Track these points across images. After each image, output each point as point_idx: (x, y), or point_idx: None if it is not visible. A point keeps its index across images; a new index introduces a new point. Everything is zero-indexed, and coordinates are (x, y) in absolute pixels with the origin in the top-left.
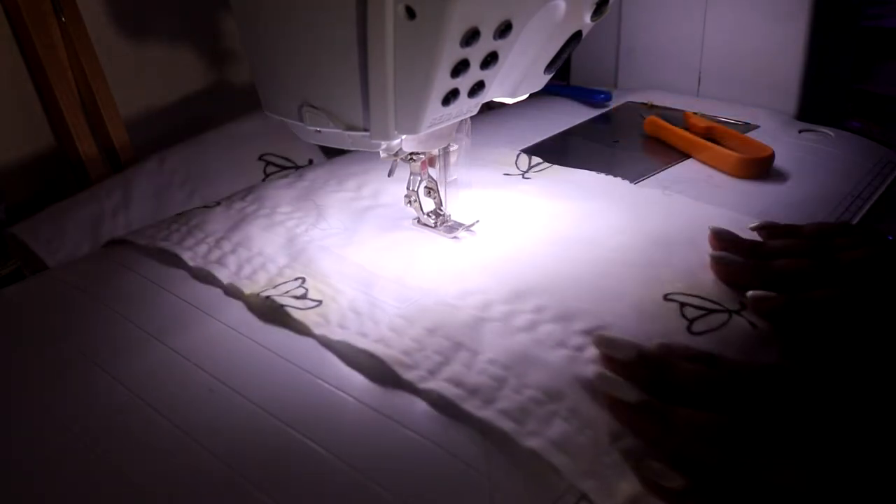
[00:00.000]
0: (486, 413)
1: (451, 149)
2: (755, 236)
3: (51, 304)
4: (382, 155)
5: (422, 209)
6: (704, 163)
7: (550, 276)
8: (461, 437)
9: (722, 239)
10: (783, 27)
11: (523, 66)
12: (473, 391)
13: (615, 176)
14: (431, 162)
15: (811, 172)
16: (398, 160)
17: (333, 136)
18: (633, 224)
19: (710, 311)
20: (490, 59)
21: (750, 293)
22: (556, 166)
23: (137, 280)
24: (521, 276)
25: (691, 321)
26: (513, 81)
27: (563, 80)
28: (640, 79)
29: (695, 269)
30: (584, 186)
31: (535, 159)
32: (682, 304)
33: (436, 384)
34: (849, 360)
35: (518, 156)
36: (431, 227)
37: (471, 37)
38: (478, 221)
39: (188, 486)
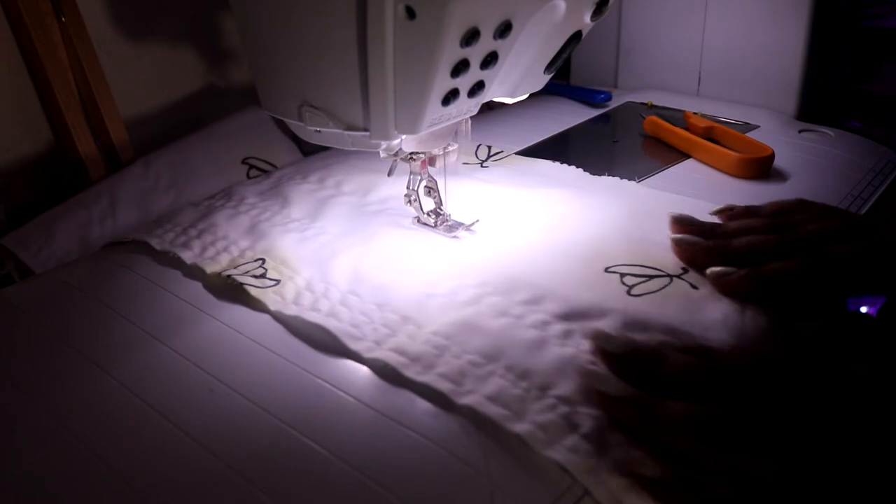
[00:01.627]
0: (425, 378)
1: (451, 149)
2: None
3: (51, 304)
4: (382, 155)
5: (422, 209)
6: (704, 163)
7: (497, 256)
8: (462, 436)
9: (681, 223)
10: (783, 27)
11: (523, 66)
12: (416, 359)
13: (615, 176)
14: (431, 162)
15: (811, 172)
16: (398, 160)
17: (333, 136)
18: (583, 207)
19: (651, 277)
20: (490, 59)
21: (709, 270)
22: (514, 156)
23: (137, 280)
24: (469, 256)
25: (630, 287)
26: (513, 81)
27: (563, 80)
28: (640, 79)
29: (637, 243)
30: (540, 174)
31: (495, 149)
32: (623, 275)
33: (381, 353)
34: (841, 357)
35: (478, 146)
36: (431, 226)
37: (471, 37)
38: (478, 221)
39: (188, 486)
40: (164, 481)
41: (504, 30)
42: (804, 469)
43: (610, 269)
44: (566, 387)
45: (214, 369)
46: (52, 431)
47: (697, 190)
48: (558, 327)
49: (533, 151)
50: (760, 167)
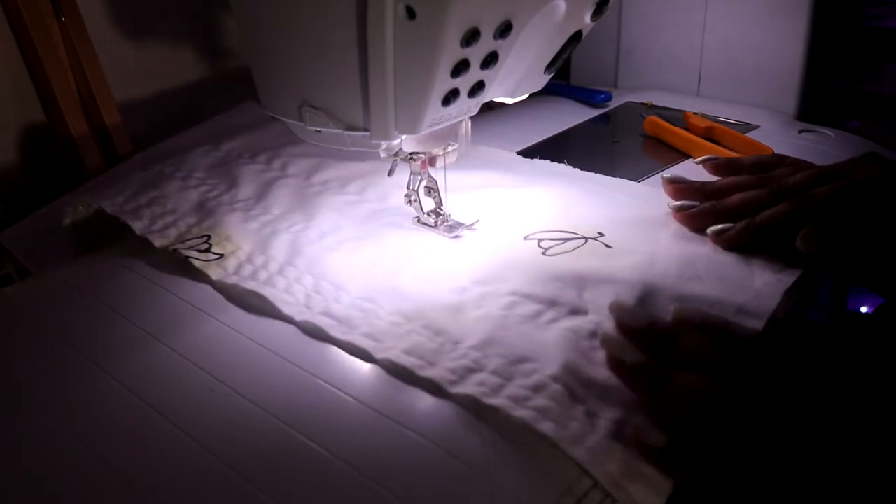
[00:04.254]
0: (349, 337)
1: (451, 149)
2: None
3: (51, 304)
4: (382, 155)
5: (422, 209)
6: None
7: (424, 233)
8: (462, 437)
9: (674, 183)
10: (783, 27)
11: (523, 66)
12: (342, 321)
13: (616, 176)
14: (432, 162)
15: None
16: (398, 160)
17: (333, 136)
18: (511, 186)
19: (567, 240)
20: (490, 59)
21: (709, 229)
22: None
23: (137, 280)
24: (397, 230)
25: (546, 249)
26: (513, 81)
27: (563, 80)
28: (640, 79)
29: (554, 214)
30: (476, 158)
31: None
32: (539, 240)
33: (310, 316)
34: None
35: None
36: (431, 226)
37: (471, 37)
38: (478, 221)
39: (188, 486)
40: (164, 481)
41: (504, 30)
42: (799, 452)
43: (528, 238)
44: (476, 338)
45: (214, 369)
46: (52, 431)
47: None
48: (476, 291)
49: (533, 151)
50: None
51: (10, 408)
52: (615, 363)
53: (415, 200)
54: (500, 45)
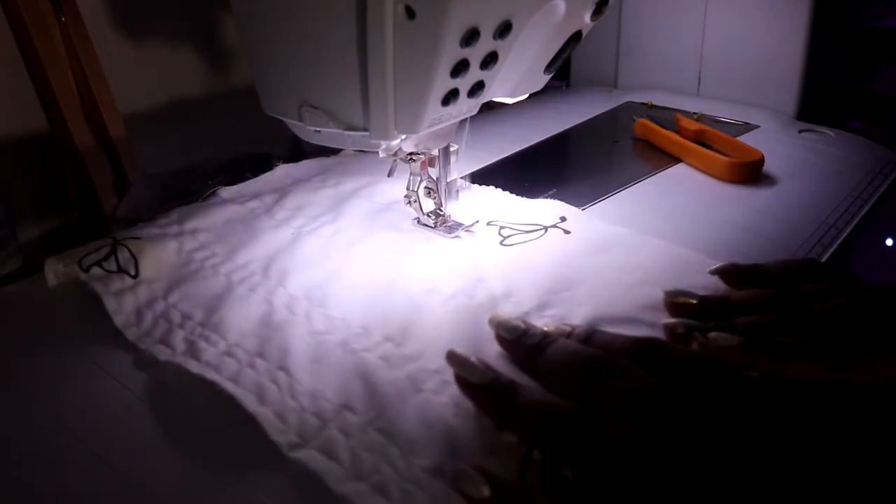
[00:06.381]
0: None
1: (451, 149)
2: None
3: (51, 304)
4: (382, 155)
5: (422, 209)
6: (695, 167)
7: (377, 216)
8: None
9: (675, 296)
10: (783, 27)
11: (523, 67)
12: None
13: (615, 176)
14: (431, 162)
15: (811, 173)
16: (398, 160)
17: (333, 136)
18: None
19: (527, 232)
20: (490, 59)
21: (711, 334)
22: None
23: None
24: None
25: (504, 238)
26: (513, 81)
27: (563, 80)
28: (640, 79)
29: (506, 206)
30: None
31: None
32: (501, 227)
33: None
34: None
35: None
36: (431, 227)
37: (471, 37)
38: (477, 221)
39: (188, 486)
40: (164, 481)
41: (504, 30)
42: (661, 480)
43: (490, 223)
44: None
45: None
46: (52, 431)
47: (687, 195)
48: (391, 270)
49: (533, 151)
50: (750, 171)
51: (11, 408)
52: (462, 383)
53: (414, 201)
54: (500, 45)
